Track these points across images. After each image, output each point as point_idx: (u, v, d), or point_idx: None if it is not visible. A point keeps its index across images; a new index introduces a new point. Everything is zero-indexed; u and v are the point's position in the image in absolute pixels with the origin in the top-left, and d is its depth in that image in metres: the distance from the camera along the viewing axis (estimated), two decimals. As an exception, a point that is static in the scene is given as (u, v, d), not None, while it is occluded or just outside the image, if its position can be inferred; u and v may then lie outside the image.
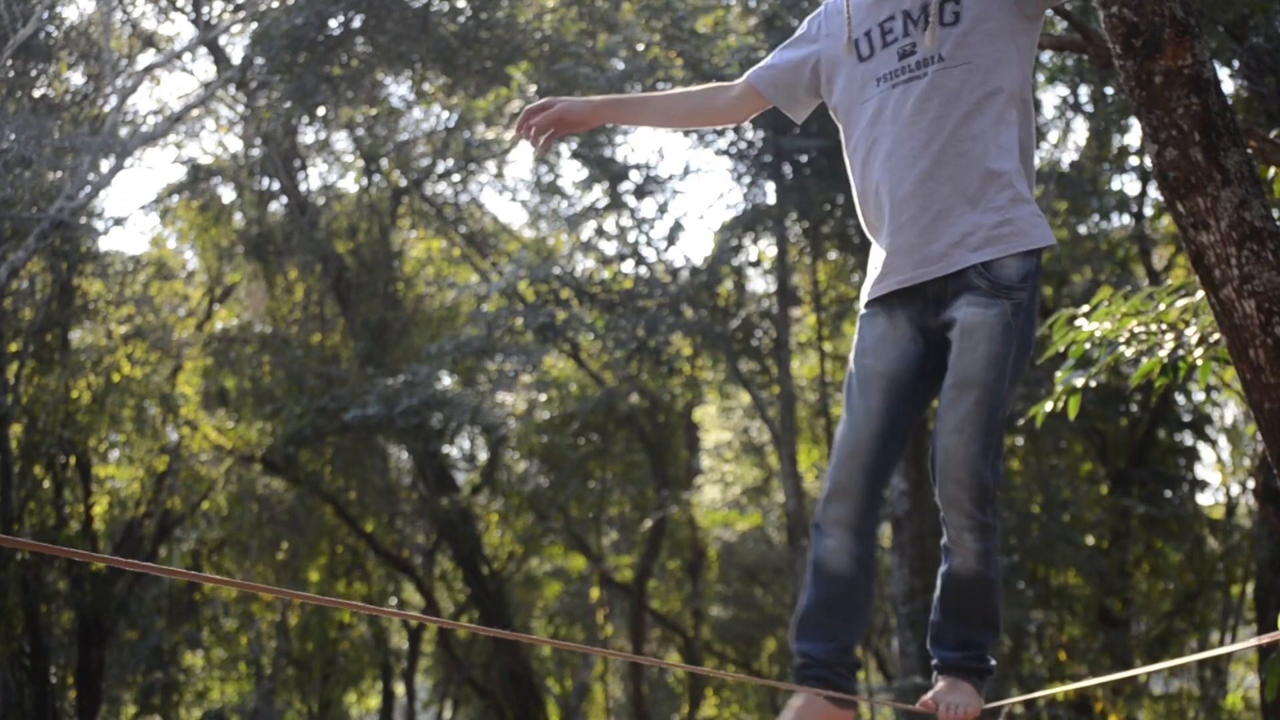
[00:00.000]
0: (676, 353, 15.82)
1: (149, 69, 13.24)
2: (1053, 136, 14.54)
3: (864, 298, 3.21)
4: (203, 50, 14.32)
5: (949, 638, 3.18)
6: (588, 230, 15.83)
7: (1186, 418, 14.52)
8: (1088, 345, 4.60)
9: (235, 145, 16.11)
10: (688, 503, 18.34)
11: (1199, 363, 4.29)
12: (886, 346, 3.12)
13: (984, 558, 3.09)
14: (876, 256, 3.18)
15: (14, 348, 13.68)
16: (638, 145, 29.00)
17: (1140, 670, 3.48)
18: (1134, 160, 13.74)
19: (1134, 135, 13.42)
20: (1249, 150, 3.00)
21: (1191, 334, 4.33)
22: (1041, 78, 13.60)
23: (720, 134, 14.31)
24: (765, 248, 16.09)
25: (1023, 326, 3.04)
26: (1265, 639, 3.08)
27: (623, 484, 18.78)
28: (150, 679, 16.94)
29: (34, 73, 12.17)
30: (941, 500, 3.07)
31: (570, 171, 37.79)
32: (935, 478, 3.07)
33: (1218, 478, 17.34)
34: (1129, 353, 4.46)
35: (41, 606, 14.37)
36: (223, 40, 14.58)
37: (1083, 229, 14.09)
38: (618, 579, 19.32)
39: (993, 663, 3.17)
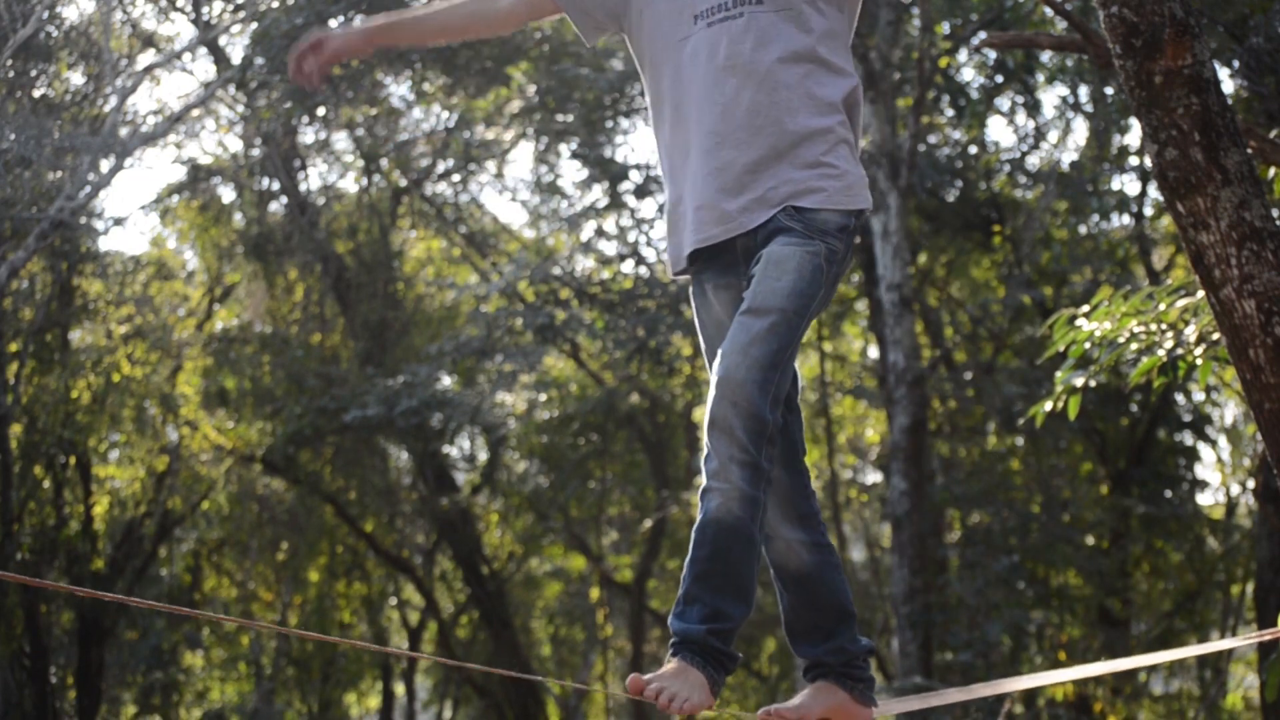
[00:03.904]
0: (676, 353, 15.82)
1: (149, 69, 13.22)
2: (1053, 136, 14.55)
3: (670, 261, 2.96)
4: (203, 50, 14.32)
5: (697, 606, 2.60)
6: (588, 230, 15.84)
7: (1186, 418, 14.52)
8: (1088, 345, 4.60)
9: (235, 145, 16.11)
10: (688, 503, 18.33)
11: (1199, 363, 4.29)
12: (711, 319, 2.91)
13: (749, 504, 2.59)
14: (676, 211, 2.91)
15: (14, 348, 13.67)
16: (638, 145, 29.02)
17: (1132, 662, 3.47)
18: (1134, 160, 13.74)
19: (1134, 135, 13.43)
20: (1249, 150, 3.00)
21: (1191, 334, 4.33)
22: (1041, 78, 13.61)
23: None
24: (765, 248, 16.06)
25: (833, 278, 2.80)
26: (1265, 634, 3.08)
27: (623, 484, 18.77)
28: (150, 679, 16.95)
29: (34, 73, 12.16)
30: (711, 426, 2.63)
31: (570, 171, 37.78)
32: (710, 402, 2.66)
33: (1218, 478, 17.36)
34: (1132, 348, 4.46)
35: (41, 606, 14.36)
36: (223, 40, 14.58)
37: (1083, 229, 14.09)
38: (618, 579, 19.32)
39: (736, 654, 2.64)
